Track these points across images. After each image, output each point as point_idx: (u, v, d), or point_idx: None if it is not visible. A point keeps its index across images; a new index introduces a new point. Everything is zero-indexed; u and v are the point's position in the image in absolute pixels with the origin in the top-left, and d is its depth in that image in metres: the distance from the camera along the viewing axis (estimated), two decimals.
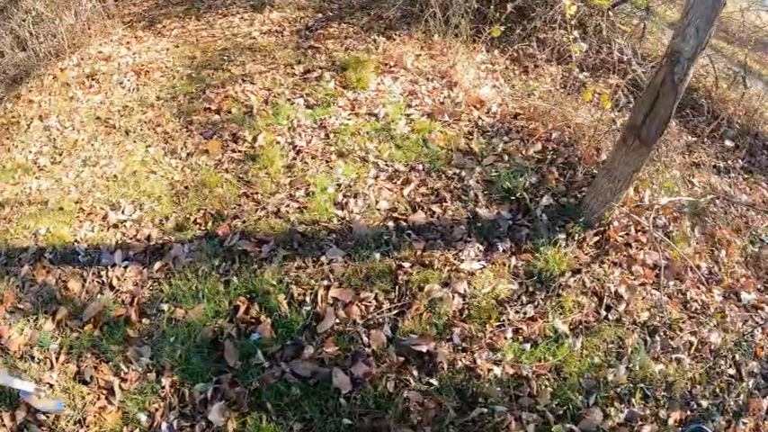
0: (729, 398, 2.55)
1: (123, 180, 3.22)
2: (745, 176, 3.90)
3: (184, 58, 4.05)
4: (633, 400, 2.39)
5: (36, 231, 3.01)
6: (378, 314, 2.41)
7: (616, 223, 2.94)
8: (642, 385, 2.44)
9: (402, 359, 2.29)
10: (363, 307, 2.42)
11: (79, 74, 4.19)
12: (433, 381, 2.25)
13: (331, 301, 2.43)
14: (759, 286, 3.08)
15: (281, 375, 2.24)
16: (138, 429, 2.24)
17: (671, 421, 2.37)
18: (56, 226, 3.01)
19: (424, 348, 2.31)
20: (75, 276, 2.77)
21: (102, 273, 2.78)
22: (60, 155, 3.53)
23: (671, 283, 2.87)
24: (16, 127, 3.79)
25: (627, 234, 2.96)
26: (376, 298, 2.46)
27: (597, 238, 2.87)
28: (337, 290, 2.46)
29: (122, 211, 3.06)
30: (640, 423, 2.33)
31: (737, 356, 2.68)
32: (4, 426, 2.30)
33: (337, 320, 2.37)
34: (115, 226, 3.00)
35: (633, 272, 2.82)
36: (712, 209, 3.38)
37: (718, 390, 2.56)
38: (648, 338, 2.61)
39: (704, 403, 2.49)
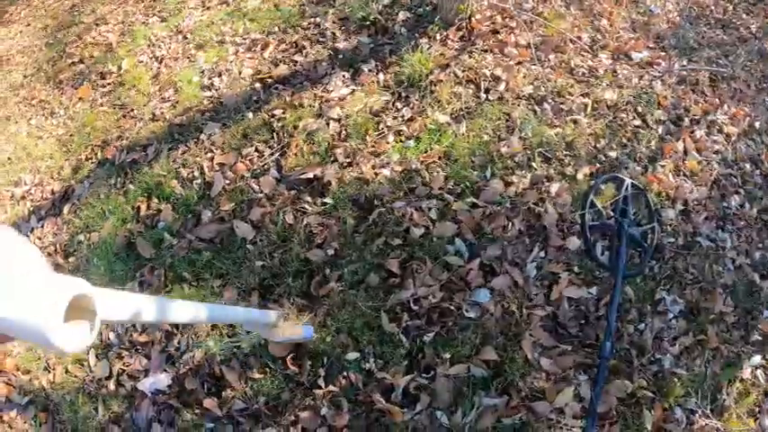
0: (640, 146, 2.60)
1: (17, 158, 3.26)
2: None
3: (38, 30, 4.04)
4: (533, 164, 2.42)
5: None
6: (261, 162, 2.47)
7: (479, 16, 2.93)
8: (540, 150, 2.47)
9: (293, 192, 2.37)
10: (248, 161, 2.49)
11: None
12: (327, 200, 2.33)
13: (217, 168, 2.49)
14: (650, 45, 3.09)
15: (189, 245, 2.34)
16: (92, 349, 2.34)
17: (580, 176, 2.42)
18: None
19: (310, 175, 2.38)
20: None
21: None
22: None
23: (551, 56, 2.86)
24: None
25: (492, 23, 2.94)
26: (257, 150, 2.52)
27: (461, 32, 2.86)
28: (221, 156, 2.52)
29: (24, 183, 3.11)
30: (547, 183, 2.38)
31: (639, 108, 2.71)
32: None
33: (227, 181, 2.44)
34: (23, 198, 3.07)
35: (506, 54, 2.82)
36: None
37: (625, 140, 2.61)
38: (537, 108, 2.62)
39: (612, 154, 2.54)
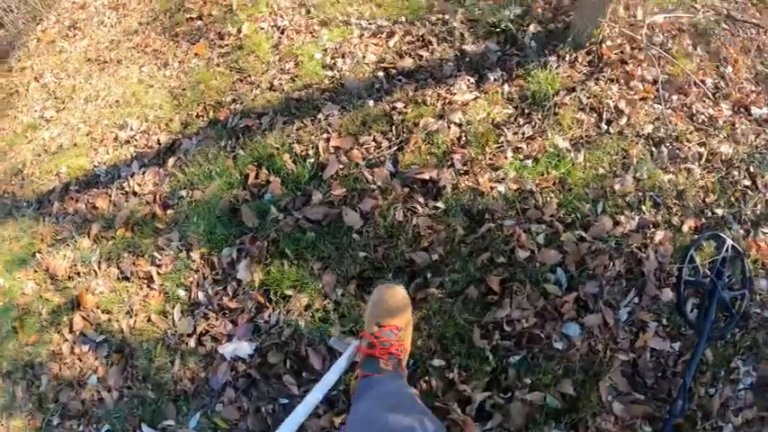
0: (746, 207, 2.51)
1: (125, 102, 3.33)
2: (755, 1, 3.67)
3: None
4: (643, 207, 2.38)
5: (58, 172, 3.19)
6: (378, 153, 2.47)
7: (609, 42, 2.85)
8: (651, 193, 2.42)
9: (407, 189, 2.36)
10: (364, 150, 2.49)
11: (61, 28, 4.28)
12: (439, 204, 2.32)
13: (332, 151, 2.50)
14: None
15: (295, 223, 2.36)
16: (178, 304, 2.43)
17: (685, 228, 2.36)
18: (74, 161, 3.18)
19: (426, 176, 2.36)
20: (101, 196, 2.95)
21: (125, 184, 2.94)
22: (63, 102, 3.66)
23: (674, 97, 2.79)
24: (16, 95, 3.96)
25: (621, 52, 2.86)
26: (374, 140, 2.51)
27: (590, 57, 2.79)
28: (337, 139, 2.53)
29: (130, 128, 3.19)
30: (653, 229, 2.33)
31: (752, 168, 2.62)
32: None
33: (341, 166, 2.44)
34: (127, 142, 3.14)
35: (632, 87, 2.74)
36: (717, 31, 3.23)
37: (733, 199, 2.52)
38: (654, 149, 2.57)
39: (719, 212, 2.46)
